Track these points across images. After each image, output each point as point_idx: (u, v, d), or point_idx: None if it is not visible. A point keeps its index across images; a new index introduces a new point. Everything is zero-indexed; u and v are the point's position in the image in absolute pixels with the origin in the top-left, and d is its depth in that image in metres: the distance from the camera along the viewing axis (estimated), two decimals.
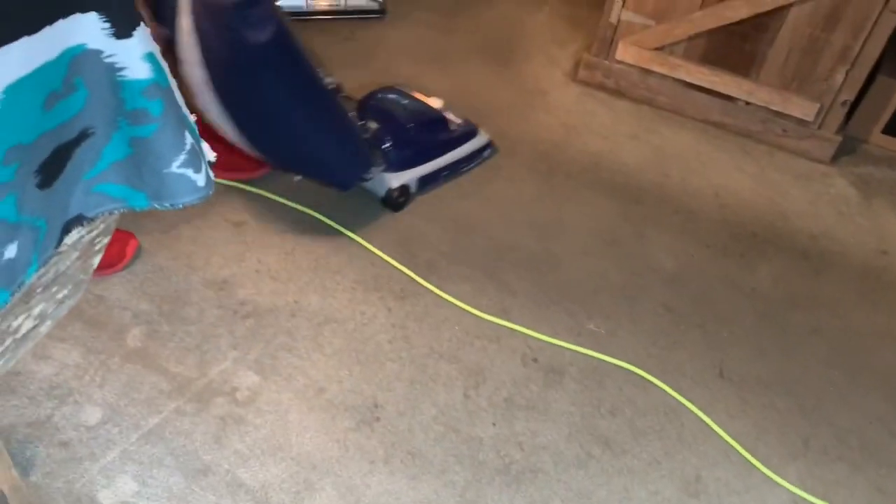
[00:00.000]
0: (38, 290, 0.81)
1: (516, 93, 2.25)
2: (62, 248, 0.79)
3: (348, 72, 2.21)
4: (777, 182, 2.07)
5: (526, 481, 1.35)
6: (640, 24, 2.16)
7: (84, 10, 0.69)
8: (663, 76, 2.20)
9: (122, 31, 0.72)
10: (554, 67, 2.39)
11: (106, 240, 0.88)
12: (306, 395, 1.43)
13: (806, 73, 2.05)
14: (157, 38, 1.53)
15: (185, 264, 1.63)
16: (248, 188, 1.82)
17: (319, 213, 1.78)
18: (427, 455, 1.37)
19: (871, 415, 1.54)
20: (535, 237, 1.82)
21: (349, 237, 1.74)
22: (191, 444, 1.33)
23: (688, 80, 2.18)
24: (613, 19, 2.18)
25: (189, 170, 0.80)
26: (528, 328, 1.60)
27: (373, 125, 1.76)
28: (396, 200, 1.77)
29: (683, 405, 1.50)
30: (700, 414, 1.49)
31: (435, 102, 1.92)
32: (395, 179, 1.75)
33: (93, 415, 1.36)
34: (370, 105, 1.84)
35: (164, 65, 0.77)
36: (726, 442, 1.45)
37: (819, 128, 2.12)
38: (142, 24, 0.74)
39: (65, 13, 0.68)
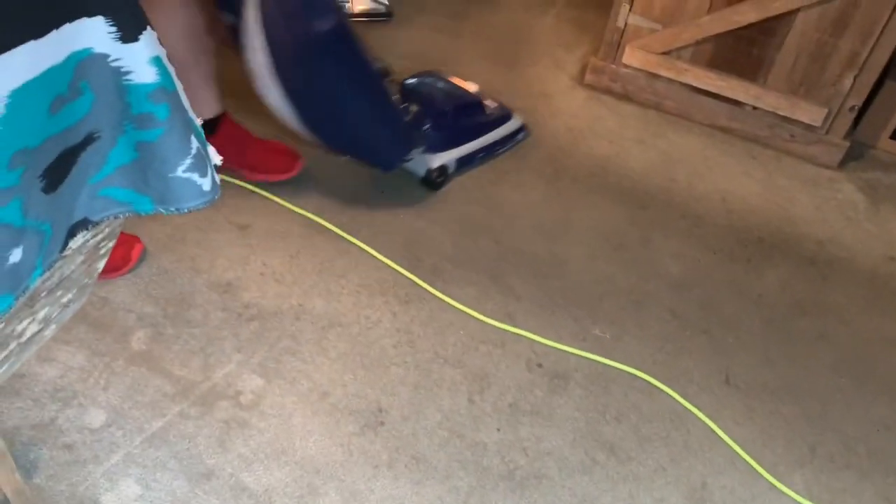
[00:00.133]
0: (43, 294, 0.81)
1: (522, 96, 2.24)
2: (67, 252, 0.79)
3: None
4: (784, 187, 2.06)
5: (530, 487, 1.35)
6: (648, 28, 2.16)
7: (90, 14, 0.69)
8: (670, 80, 2.20)
9: (129, 34, 0.72)
10: (560, 71, 2.39)
11: (111, 244, 0.88)
12: (310, 399, 1.43)
13: (814, 78, 2.04)
14: (221, 25, 1.50)
15: (189, 267, 1.63)
16: (256, 190, 1.82)
17: (324, 217, 1.78)
18: (431, 460, 1.36)
19: (879, 422, 1.53)
20: (541, 241, 1.81)
21: (353, 242, 1.74)
22: (194, 448, 1.33)
23: (695, 84, 2.17)
24: (620, 23, 2.18)
25: (195, 174, 0.80)
26: (533, 333, 1.59)
27: (414, 107, 1.83)
28: (436, 180, 1.85)
29: (689, 412, 1.49)
30: (706, 420, 1.48)
31: (471, 87, 2.01)
32: (435, 160, 1.83)
33: (97, 417, 1.35)
34: (410, 88, 1.93)
35: (171, 69, 0.77)
36: (732, 449, 1.44)
37: (827, 133, 2.11)
38: (148, 27, 0.74)
39: (71, 17, 0.68)
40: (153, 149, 0.77)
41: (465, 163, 1.92)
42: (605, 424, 1.46)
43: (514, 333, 1.59)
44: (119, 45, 0.72)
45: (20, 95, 0.66)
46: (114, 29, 0.71)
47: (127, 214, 0.83)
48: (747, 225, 1.93)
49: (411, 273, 1.68)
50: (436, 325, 1.58)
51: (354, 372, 1.48)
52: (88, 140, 0.76)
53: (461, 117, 1.92)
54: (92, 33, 0.70)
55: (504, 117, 2.01)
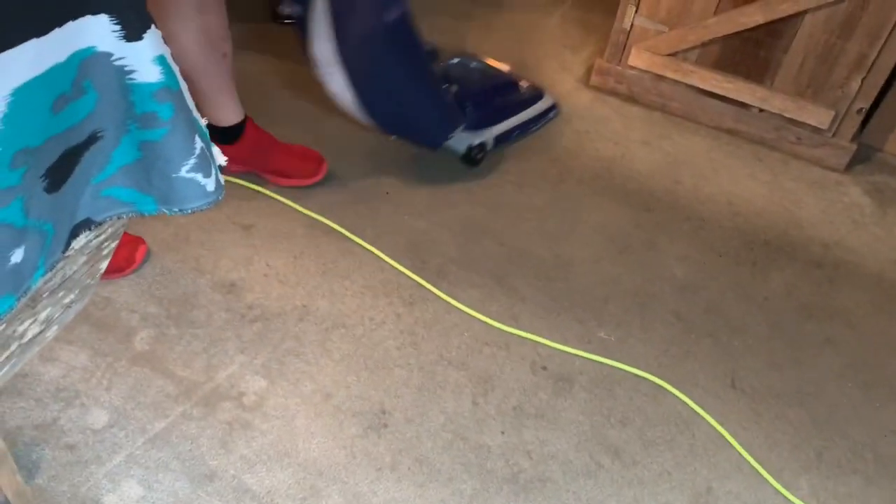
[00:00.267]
0: (45, 294, 0.81)
1: None
2: (69, 252, 0.79)
3: None
4: (790, 190, 2.05)
5: (534, 490, 1.34)
6: (654, 30, 2.15)
7: (94, 11, 0.68)
8: (676, 82, 2.19)
9: (133, 33, 0.71)
10: (566, 73, 2.38)
11: (114, 244, 0.87)
12: (313, 401, 1.42)
13: (821, 81, 2.02)
14: (288, 14, 1.48)
15: (193, 267, 1.63)
16: (260, 190, 1.82)
17: (328, 218, 1.77)
18: (435, 463, 1.35)
19: (886, 428, 1.52)
20: (546, 243, 1.80)
21: (358, 243, 1.73)
22: (197, 449, 1.32)
23: (701, 86, 2.16)
24: (626, 25, 2.17)
25: (198, 174, 0.79)
26: (537, 335, 1.58)
27: (454, 87, 1.91)
28: (475, 157, 1.93)
29: (694, 416, 1.48)
30: (714, 423, 1.47)
31: (503, 67, 2.10)
32: (475, 137, 1.91)
33: (99, 418, 1.35)
34: (450, 69, 2.02)
35: (175, 68, 0.77)
36: (738, 453, 1.43)
37: (833, 136, 2.09)
38: (153, 26, 0.73)
39: (74, 15, 0.67)
40: (157, 148, 0.77)
41: (501, 140, 1.99)
42: (609, 428, 1.45)
43: (519, 336, 1.58)
44: (123, 43, 0.71)
45: (23, 94, 0.65)
46: (118, 27, 0.70)
47: (130, 215, 0.82)
48: (753, 228, 1.92)
49: (416, 274, 1.67)
50: (440, 327, 1.58)
51: (358, 374, 1.47)
52: (91, 139, 0.75)
53: (498, 96, 2.01)
54: (95, 31, 0.69)
55: (537, 96, 2.10)
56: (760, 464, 1.42)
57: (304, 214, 1.78)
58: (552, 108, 2.14)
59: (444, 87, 1.88)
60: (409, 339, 1.55)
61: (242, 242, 1.70)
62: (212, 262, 1.64)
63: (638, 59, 2.19)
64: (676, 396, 1.51)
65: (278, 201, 1.80)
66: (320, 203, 1.80)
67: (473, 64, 2.08)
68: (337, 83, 1.70)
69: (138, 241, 1.61)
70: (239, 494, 1.28)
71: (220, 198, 0.82)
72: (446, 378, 1.49)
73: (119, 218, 0.81)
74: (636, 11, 2.13)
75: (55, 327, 0.85)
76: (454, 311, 1.61)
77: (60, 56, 0.67)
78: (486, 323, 1.60)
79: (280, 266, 1.66)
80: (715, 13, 2.04)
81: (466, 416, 1.43)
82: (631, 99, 2.27)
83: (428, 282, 1.66)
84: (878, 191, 2.09)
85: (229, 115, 1.71)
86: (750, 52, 2.07)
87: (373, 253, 1.71)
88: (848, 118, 2.05)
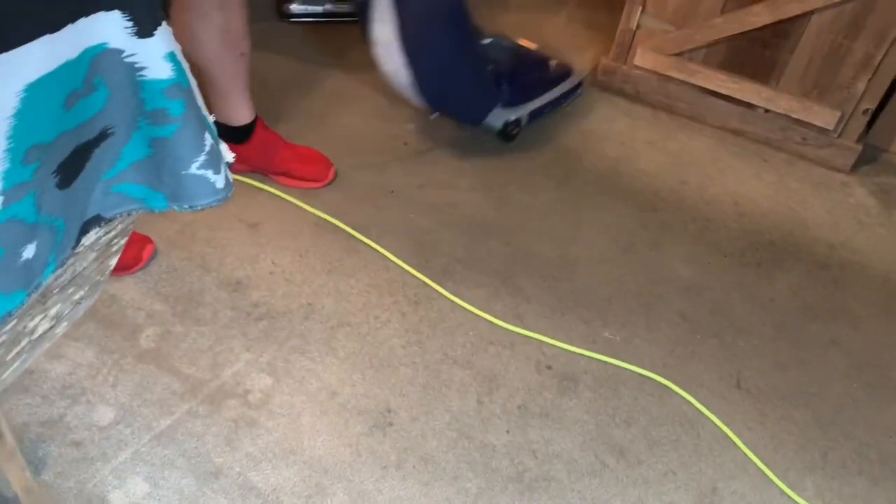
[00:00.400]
0: (55, 290, 0.81)
1: None
2: (80, 248, 0.79)
3: (364, 75, 2.21)
4: (796, 191, 2.05)
5: (539, 490, 1.34)
6: (660, 30, 2.14)
7: (107, 8, 0.68)
8: (682, 82, 2.19)
9: (144, 30, 0.71)
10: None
11: (123, 241, 0.88)
12: (319, 399, 1.42)
13: (827, 81, 2.02)
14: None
15: (199, 265, 1.63)
16: (266, 188, 1.82)
17: (334, 216, 1.77)
18: (440, 461, 1.36)
19: (891, 428, 1.51)
20: (551, 243, 1.80)
21: (363, 241, 1.73)
22: (203, 447, 1.33)
23: (707, 86, 2.16)
24: (632, 24, 2.16)
25: (209, 171, 0.79)
26: (542, 335, 1.58)
27: (490, 66, 1.98)
28: (511, 133, 2.01)
29: (700, 416, 1.48)
30: (719, 423, 1.47)
31: (533, 46, 2.17)
32: (511, 114, 1.99)
33: (105, 415, 1.35)
34: (487, 48, 2.09)
35: (185, 65, 0.77)
36: (743, 454, 1.43)
37: (839, 136, 2.09)
38: (164, 23, 0.73)
39: (87, 11, 0.67)
40: (167, 145, 0.77)
41: (535, 115, 2.06)
42: (614, 427, 1.45)
43: (524, 335, 1.58)
44: (134, 40, 0.71)
45: (35, 90, 0.65)
46: (130, 24, 0.70)
47: (140, 211, 0.82)
48: (758, 228, 1.92)
49: (421, 273, 1.67)
50: (445, 326, 1.58)
51: (363, 372, 1.47)
52: (102, 136, 0.75)
53: (531, 74, 2.10)
54: (107, 28, 0.69)
55: (566, 73, 2.16)
56: (766, 464, 1.42)
57: (310, 213, 1.78)
58: (580, 85, 2.21)
59: (487, 65, 1.97)
60: (414, 337, 1.55)
61: (248, 240, 1.70)
62: (218, 260, 1.65)
63: (644, 58, 2.19)
64: (681, 396, 1.51)
65: (284, 200, 1.80)
66: (326, 202, 1.81)
67: (506, 43, 2.14)
68: (394, 62, 1.79)
69: (146, 240, 1.61)
70: (244, 492, 1.28)
71: (229, 195, 0.82)
72: (451, 377, 1.49)
73: (129, 214, 0.82)
74: (642, 11, 2.13)
75: (65, 323, 0.85)
76: (459, 310, 1.61)
77: (72, 52, 0.68)
78: (491, 322, 1.60)
79: (286, 264, 1.66)
80: (721, 13, 2.04)
81: (471, 415, 1.43)
82: (636, 99, 2.27)
83: (433, 281, 1.66)
84: (883, 192, 2.09)
85: (241, 115, 1.72)
86: (756, 53, 2.07)
87: (378, 252, 1.71)
88: (854, 119, 2.05)
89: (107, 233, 0.83)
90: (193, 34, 1.52)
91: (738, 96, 2.14)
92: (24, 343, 0.80)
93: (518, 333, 1.58)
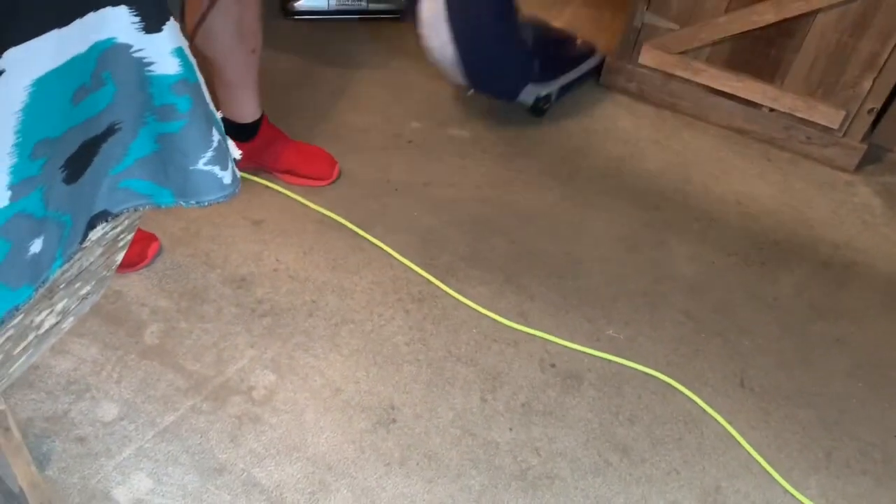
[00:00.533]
0: (62, 285, 0.81)
1: None
2: (87, 243, 0.79)
3: (367, 72, 2.21)
4: (800, 190, 2.05)
5: (542, 487, 1.34)
6: (664, 28, 2.14)
7: (115, 3, 0.68)
8: (686, 81, 2.18)
9: (152, 25, 0.71)
10: None
11: (130, 237, 0.88)
12: (323, 396, 1.42)
13: (832, 80, 2.02)
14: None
15: (203, 262, 1.63)
16: (270, 185, 1.82)
17: (338, 213, 1.77)
18: (443, 458, 1.36)
19: (895, 428, 1.51)
20: (555, 242, 1.80)
21: (368, 239, 1.73)
22: (206, 443, 1.33)
23: (711, 85, 2.15)
24: (637, 23, 2.16)
25: (216, 167, 0.79)
26: (546, 333, 1.58)
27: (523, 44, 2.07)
28: (542, 107, 2.11)
29: (703, 414, 1.48)
30: (723, 422, 1.47)
31: (559, 25, 2.30)
32: (542, 89, 2.08)
33: (109, 411, 1.35)
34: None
35: (193, 60, 0.77)
36: (747, 453, 1.43)
37: (844, 135, 2.09)
38: (171, 18, 0.73)
39: (95, 6, 0.67)
40: (174, 141, 0.77)
41: (563, 91, 2.15)
42: (618, 426, 1.45)
43: (528, 333, 1.58)
44: (142, 35, 0.71)
45: (44, 84, 0.65)
46: (137, 19, 0.70)
47: (147, 207, 0.82)
48: (762, 228, 1.92)
49: (425, 271, 1.67)
50: (449, 324, 1.58)
51: (367, 369, 1.48)
52: (110, 131, 0.76)
53: (560, 51, 2.19)
54: (115, 23, 0.69)
55: (591, 51, 2.25)
56: (769, 463, 1.42)
57: (314, 210, 1.78)
58: (602, 63, 2.28)
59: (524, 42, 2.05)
60: (417, 335, 1.55)
61: (252, 237, 1.70)
62: (222, 257, 1.65)
63: (648, 57, 2.19)
64: (685, 395, 1.51)
65: (288, 197, 1.80)
66: (330, 199, 1.81)
67: (534, 22, 2.20)
68: (440, 39, 1.88)
69: (151, 237, 1.61)
70: (248, 488, 1.28)
71: (236, 191, 0.82)
72: (455, 374, 1.49)
73: (136, 210, 0.82)
74: (647, 9, 2.13)
75: (71, 318, 0.86)
76: (463, 307, 1.61)
77: (81, 47, 0.68)
78: (494, 320, 1.60)
79: (290, 261, 1.66)
80: (726, 11, 2.03)
81: (475, 413, 1.43)
82: (641, 97, 2.27)
83: (437, 278, 1.66)
84: (888, 191, 2.09)
85: (249, 111, 1.72)
86: (761, 51, 2.06)
87: (382, 249, 1.71)
88: (859, 118, 2.04)
89: (113, 228, 0.83)
90: (208, 27, 1.53)
91: (742, 95, 2.13)
92: (30, 338, 0.80)
93: (522, 331, 1.58)
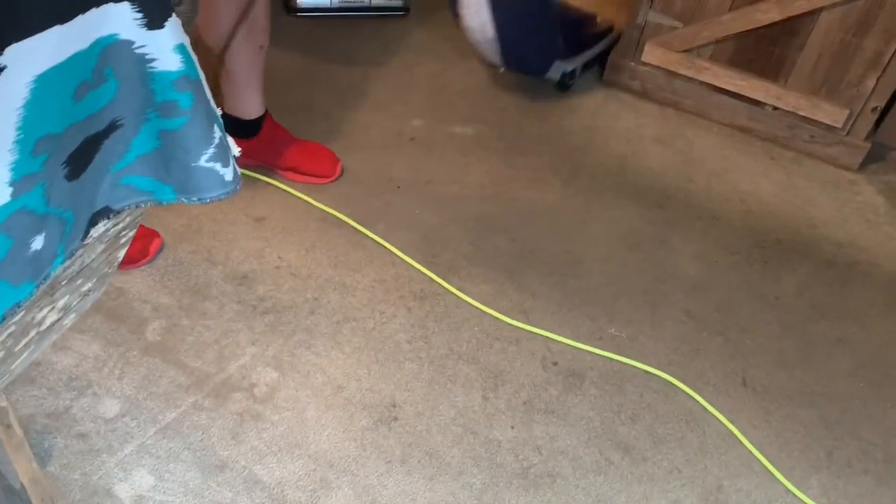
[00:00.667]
0: (63, 282, 0.81)
1: (541, 93, 2.23)
2: (88, 240, 0.79)
3: (372, 68, 2.21)
4: (803, 189, 2.04)
5: (544, 486, 1.34)
6: (668, 26, 2.14)
7: None
8: (690, 79, 2.18)
9: (154, 21, 0.71)
10: None
11: (132, 233, 0.88)
12: (324, 393, 1.42)
13: (836, 79, 2.01)
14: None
15: (205, 259, 1.63)
16: (272, 182, 1.82)
17: (340, 211, 1.77)
18: (444, 456, 1.36)
19: None
20: (557, 240, 1.80)
21: (370, 236, 1.73)
22: (208, 440, 1.33)
23: (715, 83, 2.15)
24: (640, 20, 2.16)
25: (217, 164, 0.79)
26: (548, 331, 1.58)
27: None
28: (567, 83, 2.21)
29: (705, 413, 1.48)
30: (724, 421, 1.47)
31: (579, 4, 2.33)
32: (568, 65, 2.18)
33: (111, 407, 1.35)
34: None
35: (195, 57, 0.76)
36: (749, 452, 1.43)
37: (847, 134, 2.08)
38: (173, 14, 0.73)
39: (97, 2, 0.67)
40: (176, 138, 0.77)
41: (586, 67, 2.25)
42: (619, 424, 1.45)
43: (530, 331, 1.58)
44: (144, 31, 0.71)
45: (45, 81, 0.65)
46: (139, 15, 0.70)
47: (148, 203, 0.82)
48: (765, 226, 1.91)
49: (427, 269, 1.67)
50: (451, 322, 1.58)
51: (369, 367, 1.48)
52: (111, 128, 0.75)
53: (583, 28, 2.24)
54: (118, 19, 0.69)
55: (610, 28, 2.30)
56: (771, 462, 1.42)
57: (317, 207, 1.78)
58: (617, 40, 2.33)
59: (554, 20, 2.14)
60: (419, 332, 1.55)
61: (254, 234, 1.70)
62: (224, 254, 1.65)
63: (651, 55, 2.19)
64: (687, 394, 1.51)
65: (291, 194, 1.80)
66: (333, 196, 1.81)
67: (557, 1, 2.31)
68: (480, 19, 2.00)
69: (153, 233, 1.61)
70: (249, 485, 1.28)
71: (237, 187, 0.82)
72: (456, 372, 1.49)
73: (137, 207, 0.82)
74: (651, 7, 2.12)
75: (73, 315, 0.86)
76: (465, 305, 1.61)
77: (83, 43, 0.68)
78: (496, 318, 1.60)
79: (292, 258, 1.66)
80: (730, 9, 2.03)
81: (476, 411, 1.43)
82: (644, 95, 2.26)
83: (439, 276, 1.66)
84: (891, 190, 2.08)
85: (253, 108, 1.72)
86: (764, 50, 2.06)
87: (384, 247, 1.71)
88: (862, 117, 2.04)
89: (115, 225, 0.83)
90: (217, 21, 1.53)
91: (746, 93, 2.13)
92: (32, 334, 0.80)
93: (524, 329, 1.58)
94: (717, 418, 1.48)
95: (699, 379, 1.54)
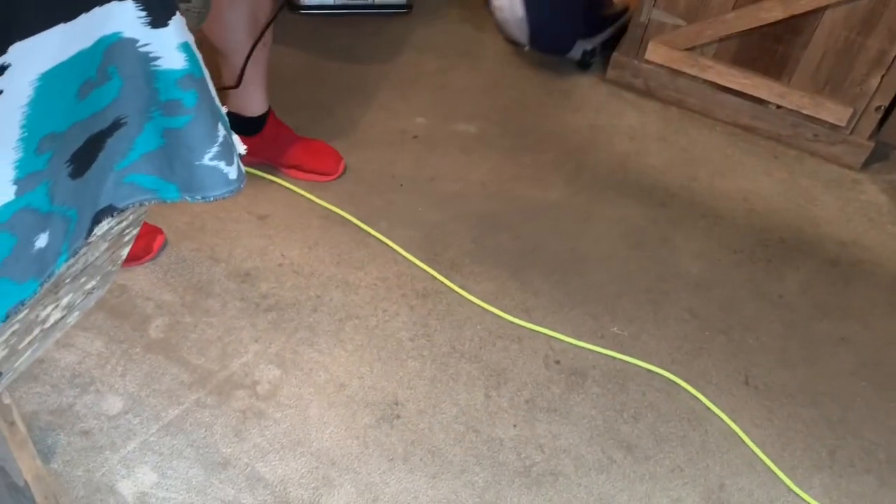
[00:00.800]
0: (67, 280, 0.81)
1: (544, 91, 2.23)
2: (92, 238, 0.79)
3: (375, 66, 2.21)
4: (807, 188, 2.04)
5: (546, 484, 1.34)
6: (671, 24, 2.13)
7: None
8: (693, 77, 2.17)
9: (158, 20, 0.71)
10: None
11: (135, 231, 0.88)
12: (327, 391, 1.42)
13: (840, 77, 2.01)
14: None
15: (208, 256, 1.63)
16: (275, 180, 1.82)
17: (343, 209, 1.77)
18: (447, 454, 1.36)
19: None
20: (560, 238, 1.80)
21: (372, 234, 1.73)
22: (211, 437, 1.33)
23: (718, 81, 2.15)
24: (644, 18, 2.15)
25: (221, 162, 0.79)
26: (550, 329, 1.58)
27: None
28: (588, 61, 2.30)
29: (707, 412, 1.48)
30: (727, 420, 1.47)
31: None
32: (588, 44, 2.27)
33: (114, 404, 1.36)
34: None
35: (199, 55, 0.76)
36: (751, 451, 1.43)
37: (851, 133, 2.08)
38: (177, 13, 0.73)
39: (101, 0, 0.67)
40: (180, 136, 0.77)
41: (605, 47, 2.30)
42: (622, 423, 1.45)
43: (532, 329, 1.58)
44: (148, 29, 0.71)
45: (49, 79, 0.65)
46: (143, 13, 0.70)
47: (152, 202, 0.82)
48: (768, 225, 1.91)
49: (429, 267, 1.67)
50: (453, 320, 1.58)
51: (371, 364, 1.48)
52: (115, 126, 0.75)
53: (601, 9, 2.35)
54: (122, 17, 0.69)
55: (626, 9, 2.38)
56: (773, 461, 1.41)
57: (320, 205, 1.78)
58: (630, 20, 2.37)
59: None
60: (422, 330, 1.55)
61: (257, 232, 1.70)
62: (227, 252, 1.65)
63: (655, 53, 2.18)
64: (689, 392, 1.51)
65: (294, 192, 1.80)
66: (335, 194, 1.81)
67: None
68: (511, 3, 2.12)
69: (156, 231, 1.61)
70: (252, 482, 1.28)
71: (241, 186, 0.82)
72: (459, 370, 1.49)
73: (141, 205, 0.82)
74: (654, 5, 2.12)
75: (76, 313, 0.86)
76: (467, 303, 1.61)
77: (87, 42, 0.67)
78: (499, 316, 1.60)
79: (294, 256, 1.66)
80: (734, 8, 2.02)
81: (479, 409, 1.43)
82: (647, 94, 2.26)
83: (441, 274, 1.66)
84: (895, 189, 2.08)
85: (256, 105, 1.72)
86: (768, 48, 2.05)
87: (387, 245, 1.71)
88: (866, 116, 2.03)
89: (119, 223, 0.83)
90: (222, 18, 1.53)
91: (749, 92, 2.12)
92: (36, 332, 0.81)
93: (526, 328, 1.58)
94: (719, 417, 1.48)
95: (702, 378, 1.54)
